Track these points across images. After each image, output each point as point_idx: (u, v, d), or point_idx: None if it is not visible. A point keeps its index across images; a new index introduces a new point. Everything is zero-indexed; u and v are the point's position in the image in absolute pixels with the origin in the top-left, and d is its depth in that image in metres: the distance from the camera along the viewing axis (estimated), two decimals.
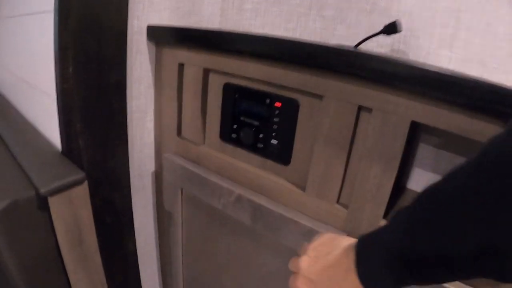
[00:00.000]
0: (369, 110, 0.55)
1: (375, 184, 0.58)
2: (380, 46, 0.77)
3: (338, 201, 0.64)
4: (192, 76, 0.78)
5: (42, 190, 0.63)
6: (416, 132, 0.65)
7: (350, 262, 0.38)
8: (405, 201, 0.71)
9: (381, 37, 0.71)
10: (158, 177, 0.97)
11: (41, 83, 0.84)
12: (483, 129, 0.46)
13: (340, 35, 0.82)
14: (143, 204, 0.98)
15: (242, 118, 0.73)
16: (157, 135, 0.93)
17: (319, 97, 0.60)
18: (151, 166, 0.96)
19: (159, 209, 1.01)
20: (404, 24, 0.71)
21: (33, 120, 0.95)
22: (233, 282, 0.89)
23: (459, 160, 0.31)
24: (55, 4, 0.66)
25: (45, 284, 0.75)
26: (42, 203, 0.65)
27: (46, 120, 0.84)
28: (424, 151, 0.72)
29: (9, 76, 1.13)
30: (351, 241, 0.41)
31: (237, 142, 0.76)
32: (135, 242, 0.98)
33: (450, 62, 0.69)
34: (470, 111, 0.46)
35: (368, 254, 0.37)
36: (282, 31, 0.91)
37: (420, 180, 0.74)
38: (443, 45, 0.70)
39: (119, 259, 0.94)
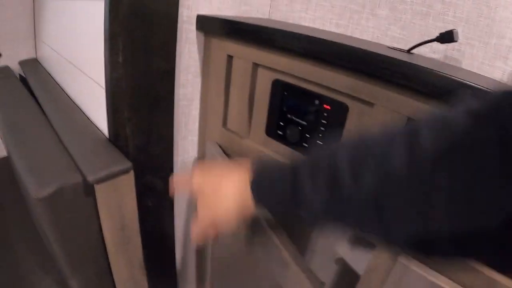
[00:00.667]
0: None
1: None
2: (433, 52, 0.73)
3: None
4: (240, 69, 0.77)
5: (90, 178, 0.64)
6: None
7: (245, 178, 0.47)
8: None
9: (435, 43, 0.67)
10: (201, 159, 0.98)
11: (89, 69, 0.86)
12: None
13: (393, 35, 0.79)
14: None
15: (289, 116, 0.72)
16: (201, 123, 0.93)
17: (369, 104, 0.58)
18: (194, 153, 0.97)
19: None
20: (459, 31, 0.67)
21: (80, 104, 0.98)
22: (255, 265, 0.90)
23: None
24: None
25: (87, 265, 0.78)
26: (89, 190, 0.67)
27: (94, 105, 0.86)
28: None
29: (57, 56, 1.16)
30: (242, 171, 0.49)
31: (283, 139, 0.75)
32: (173, 226, 1.00)
33: (503, 74, 0.65)
34: None
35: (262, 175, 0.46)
36: (333, 27, 0.88)
37: None
38: (498, 57, 0.65)
39: (158, 241, 0.97)
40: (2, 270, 1.00)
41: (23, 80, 1.34)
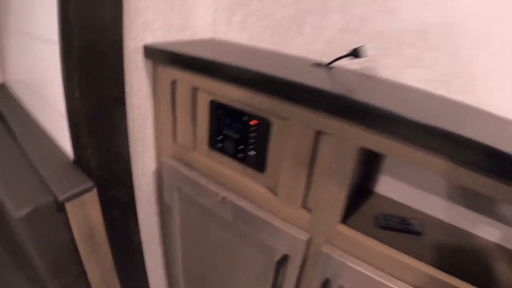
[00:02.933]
0: (326, 134, 0.65)
1: (332, 195, 0.69)
2: (353, 64, 0.85)
3: (303, 206, 0.75)
4: (183, 92, 0.89)
5: (60, 198, 0.76)
6: None
7: None
8: (370, 205, 0.82)
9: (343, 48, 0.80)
10: (158, 175, 1.09)
11: (52, 101, 0.96)
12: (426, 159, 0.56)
13: (318, 49, 0.91)
14: (146, 199, 1.11)
15: (225, 131, 0.84)
16: (156, 139, 1.05)
17: (286, 119, 0.71)
18: (152, 166, 1.09)
19: (159, 203, 1.15)
20: (376, 43, 0.79)
21: (46, 129, 1.08)
22: (223, 267, 1.03)
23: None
24: (59, 37, 0.76)
25: (64, 271, 0.89)
26: (60, 207, 0.78)
27: (58, 132, 0.97)
28: (391, 161, 0.83)
29: (24, 84, 1.25)
30: None
31: (222, 151, 0.87)
32: (139, 233, 1.11)
33: (418, 81, 0.78)
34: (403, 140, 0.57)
35: None
36: (267, 45, 1.00)
37: (388, 185, 0.85)
38: (411, 65, 0.78)
39: (126, 248, 1.08)
40: None
41: None
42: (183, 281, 1.22)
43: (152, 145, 1.06)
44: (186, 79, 0.86)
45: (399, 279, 0.65)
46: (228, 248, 0.97)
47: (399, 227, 0.74)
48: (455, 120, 0.61)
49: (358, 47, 0.78)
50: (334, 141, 0.65)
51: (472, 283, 0.59)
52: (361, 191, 0.87)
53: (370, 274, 0.67)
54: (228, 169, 0.88)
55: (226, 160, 0.87)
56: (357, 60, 0.83)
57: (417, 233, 0.73)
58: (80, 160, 0.87)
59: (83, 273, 0.94)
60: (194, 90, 0.87)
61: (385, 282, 0.65)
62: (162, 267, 1.30)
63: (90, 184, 0.82)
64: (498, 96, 0.69)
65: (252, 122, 0.78)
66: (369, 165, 0.85)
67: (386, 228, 0.73)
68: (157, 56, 0.90)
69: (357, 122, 0.60)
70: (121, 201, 0.99)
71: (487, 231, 0.75)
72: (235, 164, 0.86)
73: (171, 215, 1.08)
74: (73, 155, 0.89)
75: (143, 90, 0.96)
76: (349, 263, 0.69)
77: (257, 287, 0.94)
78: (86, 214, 0.85)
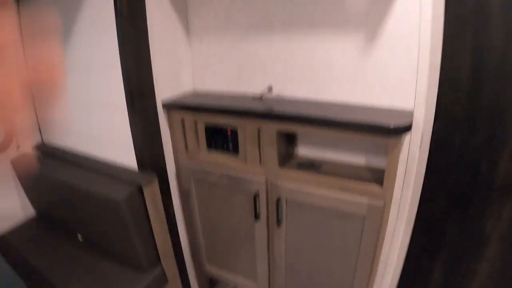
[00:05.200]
0: (262, 129, 1.48)
1: (272, 155, 1.51)
2: (270, 94, 1.69)
3: (260, 164, 1.57)
4: (188, 123, 1.70)
5: (141, 184, 1.54)
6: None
7: None
8: (294, 161, 1.65)
9: (274, 87, 1.64)
10: (178, 171, 1.88)
11: (119, 139, 1.69)
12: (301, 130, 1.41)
13: (254, 89, 1.74)
14: (173, 186, 1.89)
15: (215, 138, 1.65)
16: (174, 151, 1.83)
17: (243, 127, 1.53)
18: (173, 167, 1.87)
19: (181, 188, 1.92)
20: (278, 85, 1.64)
21: (107, 157, 1.83)
22: (226, 216, 1.82)
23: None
24: (126, 103, 1.55)
25: (143, 230, 1.65)
26: (140, 191, 1.56)
27: (125, 156, 1.71)
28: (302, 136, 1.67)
29: (81, 133, 2.00)
30: None
31: (215, 148, 1.68)
32: (173, 207, 1.89)
33: (300, 95, 1.62)
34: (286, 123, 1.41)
35: None
36: (226, 87, 1.83)
37: (303, 151, 1.69)
38: (296, 89, 1.62)
39: (169, 217, 1.85)
40: None
41: (47, 156, 2.15)
42: (201, 235, 1.99)
43: (172, 155, 1.84)
44: (189, 116, 1.67)
45: (309, 187, 1.48)
46: (227, 202, 1.77)
47: (308, 166, 1.57)
48: (321, 109, 1.46)
49: (271, 86, 1.63)
50: (265, 131, 1.48)
51: (353, 179, 1.43)
52: (289, 153, 1.70)
53: (295, 188, 1.49)
54: (220, 157, 1.69)
55: (218, 153, 1.69)
56: (272, 92, 1.68)
57: (318, 167, 1.57)
58: (143, 168, 1.65)
59: (151, 229, 1.71)
60: (195, 122, 1.68)
61: (302, 189, 1.48)
62: (185, 228, 2.06)
63: (153, 175, 1.61)
64: (338, 93, 1.55)
65: (228, 132, 1.60)
66: (291, 140, 1.68)
67: (301, 167, 1.56)
68: (170, 107, 1.70)
69: (272, 120, 1.43)
70: (165, 187, 1.77)
71: (358, 160, 1.60)
72: (223, 154, 1.68)
73: (190, 194, 1.86)
74: (137, 166, 1.66)
75: (164, 125, 1.75)
76: (286, 185, 1.51)
77: (248, 217, 1.73)
78: (152, 193, 1.63)
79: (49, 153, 2.12)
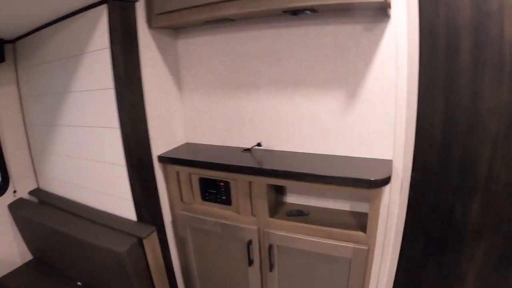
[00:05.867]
0: (253, 182, 1.59)
1: (262, 206, 1.62)
2: (259, 148, 1.81)
3: (252, 215, 1.68)
4: (184, 176, 1.80)
5: (142, 237, 1.62)
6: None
7: None
8: (284, 207, 1.75)
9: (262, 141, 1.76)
10: (174, 220, 1.96)
11: (120, 193, 1.78)
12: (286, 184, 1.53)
13: (243, 143, 1.86)
14: (170, 234, 1.97)
15: (209, 190, 1.76)
16: (170, 200, 1.93)
17: (235, 180, 1.64)
18: (169, 216, 1.96)
19: (177, 237, 2.00)
20: (266, 140, 1.76)
21: (105, 209, 1.91)
22: (221, 261, 1.90)
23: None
24: (125, 162, 1.65)
25: (144, 275, 1.72)
26: (141, 242, 1.64)
27: (123, 208, 1.79)
28: (288, 187, 1.78)
29: (71, 184, 2.08)
30: None
31: (209, 199, 1.78)
32: (170, 255, 1.97)
33: (284, 148, 1.74)
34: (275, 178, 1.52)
35: None
36: (218, 142, 1.95)
37: (291, 199, 1.80)
38: (282, 143, 1.75)
39: (167, 265, 1.92)
40: None
41: (43, 202, 2.23)
42: (198, 282, 2.06)
43: (167, 206, 1.93)
44: (184, 169, 1.78)
45: (298, 234, 1.58)
46: (222, 249, 1.85)
47: (296, 214, 1.67)
48: (307, 162, 1.57)
49: (260, 142, 1.75)
50: (256, 184, 1.59)
51: (337, 227, 1.54)
52: (278, 202, 1.80)
53: (286, 235, 1.59)
54: (214, 208, 1.79)
55: (211, 203, 1.79)
56: (261, 147, 1.80)
57: (306, 215, 1.67)
58: (142, 219, 1.74)
59: (151, 278, 1.78)
60: (190, 174, 1.79)
61: (292, 236, 1.58)
62: (180, 272, 2.13)
63: (153, 228, 1.70)
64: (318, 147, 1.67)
65: (221, 183, 1.71)
66: (280, 189, 1.79)
67: (291, 215, 1.67)
68: (165, 161, 1.81)
69: (263, 175, 1.55)
70: (162, 237, 1.85)
71: (342, 206, 1.71)
72: (216, 204, 1.78)
73: (186, 242, 1.94)
74: (136, 218, 1.75)
75: (160, 178, 1.85)
76: (277, 233, 1.61)
77: (242, 263, 1.81)
78: (152, 244, 1.72)
79: (45, 199, 2.21)
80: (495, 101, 1.27)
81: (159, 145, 1.83)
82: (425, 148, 1.48)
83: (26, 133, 2.30)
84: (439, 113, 1.42)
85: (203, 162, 1.69)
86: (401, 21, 1.40)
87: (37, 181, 2.36)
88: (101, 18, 1.56)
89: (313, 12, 1.44)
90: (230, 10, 1.47)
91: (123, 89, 1.59)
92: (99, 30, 1.58)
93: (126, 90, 1.60)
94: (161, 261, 1.82)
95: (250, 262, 1.74)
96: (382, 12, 1.40)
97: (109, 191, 1.85)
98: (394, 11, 1.39)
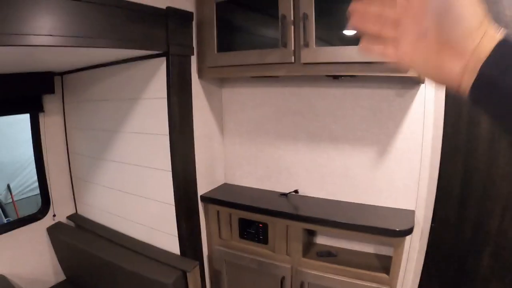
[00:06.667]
0: (290, 226, 1.78)
1: (297, 247, 1.80)
2: (295, 194, 2.00)
3: (286, 254, 1.86)
4: (224, 216, 1.99)
5: (187, 270, 1.79)
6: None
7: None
8: (315, 248, 1.94)
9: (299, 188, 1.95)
10: (210, 256, 2.13)
11: (165, 229, 1.96)
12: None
13: (280, 188, 2.05)
14: (206, 270, 2.13)
15: (247, 229, 1.94)
16: (208, 236, 2.10)
17: (274, 223, 1.83)
18: (206, 252, 2.12)
19: (212, 272, 2.16)
20: (302, 186, 1.95)
21: (152, 242, 2.07)
22: None
23: None
24: (174, 202, 1.83)
25: None
26: (185, 275, 1.81)
27: (169, 243, 1.95)
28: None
29: (114, 213, 2.25)
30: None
31: (247, 238, 1.97)
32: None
33: (320, 195, 1.93)
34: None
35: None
36: (257, 185, 2.14)
37: (321, 239, 1.98)
38: (317, 190, 1.94)
39: None
40: None
41: (80, 227, 2.39)
42: None
43: (206, 242, 2.10)
44: (224, 209, 1.97)
45: (328, 274, 1.76)
46: (256, 284, 2.02)
47: (326, 254, 1.86)
48: (339, 209, 1.76)
49: (297, 189, 1.94)
50: (293, 228, 1.78)
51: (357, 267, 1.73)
52: (309, 243, 1.99)
53: (316, 273, 1.77)
54: (251, 245, 1.97)
55: (249, 242, 1.97)
56: (297, 193, 1.99)
57: (334, 256, 1.85)
58: (184, 254, 1.91)
59: None
60: (229, 214, 1.98)
61: (322, 274, 1.76)
62: None
63: (196, 263, 1.87)
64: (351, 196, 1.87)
65: (260, 225, 1.90)
66: (312, 231, 1.98)
67: (321, 255, 1.85)
68: (207, 201, 2.00)
69: (300, 220, 1.74)
70: (201, 272, 2.02)
71: (367, 248, 1.89)
72: (253, 243, 1.96)
73: (221, 276, 2.11)
74: (180, 251, 1.92)
75: (201, 215, 2.03)
76: (308, 271, 1.79)
77: None
78: (195, 278, 1.88)
79: (83, 225, 2.40)
80: (508, 168, 1.47)
81: (202, 185, 2.02)
82: (444, 202, 1.68)
83: (69, 162, 2.47)
84: (458, 173, 1.62)
85: (243, 205, 1.89)
86: (429, 88, 1.62)
87: (75, 207, 2.53)
88: (160, 69, 1.78)
89: (352, 77, 1.65)
90: (279, 72, 1.68)
91: (177, 135, 1.79)
92: (157, 80, 1.81)
93: (179, 136, 1.81)
94: None
95: None
96: (414, 81, 1.61)
97: (153, 225, 2.02)
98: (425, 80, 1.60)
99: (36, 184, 2.45)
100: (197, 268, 1.90)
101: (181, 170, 1.83)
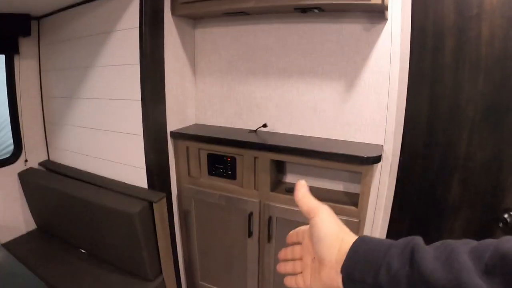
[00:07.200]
0: (258, 158, 1.77)
1: (265, 180, 1.79)
2: (264, 129, 1.99)
3: (254, 188, 1.85)
4: (193, 151, 1.98)
5: (153, 201, 1.78)
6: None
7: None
8: (283, 186, 1.93)
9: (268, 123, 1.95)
10: (179, 193, 2.12)
11: (133, 162, 1.93)
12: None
13: (250, 125, 2.04)
14: (175, 206, 2.12)
15: (216, 165, 1.93)
16: (177, 174, 2.09)
17: (241, 155, 1.82)
18: (175, 190, 2.12)
19: (181, 208, 2.15)
20: (272, 121, 1.95)
21: (118, 177, 2.06)
22: (223, 233, 2.06)
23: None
24: (143, 132, 1.81)
25: (151, 240, 1.87)
26: (151, 206, 1.79)
27: (136, 177, 1.94)
28: (290, 166, 1.96)
29: (91, 152, 2.23)
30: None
31: (215, 174, 1.95)
32: (174, 226, 2.12)
33: (289, 131, 1.93)
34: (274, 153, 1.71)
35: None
36: (226, 124, 2.13)
37: (290, 178, 1.98)
38: (285, 126, 1.94)
39: (171, 234, 2.07)
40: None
41: (53, 172, 2.36)
42: (197, 253, 2.21)
43: (175, 179, 2.09)
44: (194, 145, 1.95)
45: (296, 207, 1.75)
46: (224, 221, 2.01)
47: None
48: (307, 143, 1.76)
49: (265, 124, 1.93)
50: (261, 160, 1.77)
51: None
52: (279, 180, 1.98)
53: (284, 207, 1.77)
54: (219, 182, 1.96)
55: (218, 178, 1.96)
56: (266, 127, 1.98)
57: None
58: (152, 187, 1.90)
59: (157, 242, 1.92)
60: (198, 150, 1.96)
61: (290, 208, 1.75)
62: (181, 246, 2.28)
63: (163, 194, 1.86)
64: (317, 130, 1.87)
65: (228, 159, 1.88)
66: (281, 169, 1.97)
67: (289, 191, 1.84)
68: (177, 136, 1.98)
69: (267, 150, 1.73)
70: (169, 207, 2.00)
71: (337, 186, 1.89)
72: (222, 179, 1.95)
73: (190, 214, 2.10)
74: (148, 185, 1.90)
75: (171, 152, 2.02)
76: (276, 205, 1.79)
77: (241, 235, 1.98)
78: (161, 209, 1.87)
79: (55, 169, 2.36)
80: (472, 92, 1.47)
81: (173, 123, 2.00)
82: (412, 134, 1.68)
83: (42, 108, 2.44)
84: (425, 102, 1.62)
85: (213, 137, 1.87)
86: (396, 23, 1.61)
87: (48, 154, 2.50)
88: (134, 2, 1.74)
89: (320, 11, 1.65)
90: (248, 4, 1.67)
91: (148, 66, 1.77)
92: (130, 11, 1.76)
93: (150, 67, 1.78)
94: (167, 228, 1.97)
95: (250, 234, 1.91)
96: (380, 14, 1.61)
97: (122, 160, 2.01)
98: (390, 15, 1.61)
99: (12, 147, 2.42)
100: (164, 200, 1.89)
101: (151, 101, 1.81)
